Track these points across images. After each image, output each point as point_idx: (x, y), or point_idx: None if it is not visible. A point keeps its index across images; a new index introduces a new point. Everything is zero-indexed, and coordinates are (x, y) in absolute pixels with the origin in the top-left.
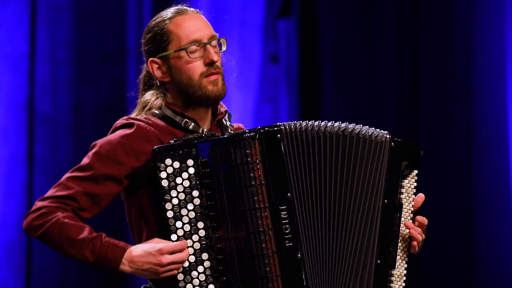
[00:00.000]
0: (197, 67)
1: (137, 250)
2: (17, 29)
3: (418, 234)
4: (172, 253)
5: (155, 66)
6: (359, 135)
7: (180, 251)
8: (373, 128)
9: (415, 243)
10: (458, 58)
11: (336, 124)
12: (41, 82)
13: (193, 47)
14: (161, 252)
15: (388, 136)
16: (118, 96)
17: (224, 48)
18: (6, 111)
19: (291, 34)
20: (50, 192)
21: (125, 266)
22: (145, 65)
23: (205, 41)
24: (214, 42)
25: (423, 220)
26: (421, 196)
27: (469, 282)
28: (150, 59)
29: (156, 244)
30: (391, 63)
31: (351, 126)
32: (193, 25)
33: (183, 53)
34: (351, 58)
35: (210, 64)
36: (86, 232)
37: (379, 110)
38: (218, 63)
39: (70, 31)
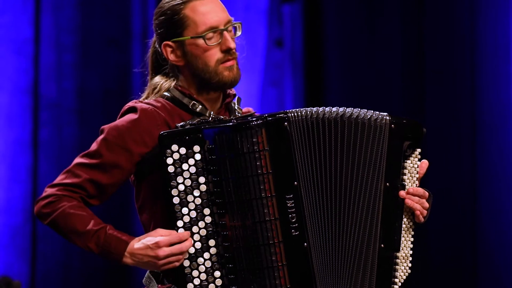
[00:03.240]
0: (214, 53)
1: (138, 244)
2: (22, 14)
3: (415, 203)
4: (171, 245)
5: (169, 49)
6: (358, 120)
7: (179, 242)
8: (372, 111)
9: (417, 212)
10: (462, 41)
11: (335, 109)
12: (45, 67)
13: (210, 34)
14: (158, 245)
15: (388, 118)
16: (122, 80)
17: (239, 33)
18: (10, 95)
19: (295, 19)
20: (59, 179)
21: (127, 259)
22: (152, 41)
23: (222, 27)
24: (230, 27)
25: (415, 190)
26: (425, 162)
27: (474, 266)
28: (164, 42)
29: (154, 237)
30: (395, 47)
31: (349, 110)
32: (209, 11)
33: (200, 40)
34: (355, 42)
35: (227, 51)
36: (91, 224)
37: (383, 93)
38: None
39: (74, 15)
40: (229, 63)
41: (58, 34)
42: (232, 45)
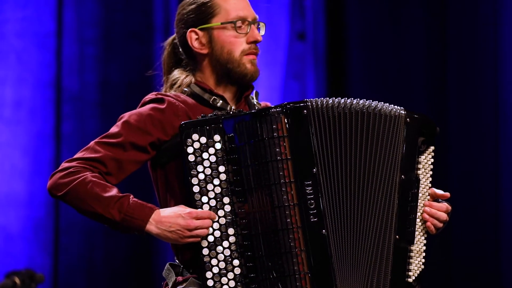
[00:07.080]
0: (240, 43)
1: (166, 211)
2: (44, 7)
3: (430, 217)
4: (198, 219)
5: (194, 37)
6: (376, 111)
7: (206, 218)
8: (389, 105)
9: (428, 223)
10: (486, 31)
11: (355, 101)
12: (68, 60)
13: (240, 23)
14: (191, 215)
15: (403, 112)
16: (144, 74)
17: (263, 32)
18: (33, 89)
19: (318, 11)
20: (78, 155)
21: (151, 226)
22: (166, 43)
23: (251, 20)
24: (257, 24)
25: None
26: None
27: (497, 258)
28: (191, 29)
29: (185, 208)
30: (418, 39)
31: (368, 102)
32: (240, 2)
33: (229, 27)
34: (378, 35)
35: (253, 42)
36: (114, 191)
37: (406, 86)
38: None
39: (96, 8)
40: (252, 56)
41: (81, 27)
42: (260, 37)
